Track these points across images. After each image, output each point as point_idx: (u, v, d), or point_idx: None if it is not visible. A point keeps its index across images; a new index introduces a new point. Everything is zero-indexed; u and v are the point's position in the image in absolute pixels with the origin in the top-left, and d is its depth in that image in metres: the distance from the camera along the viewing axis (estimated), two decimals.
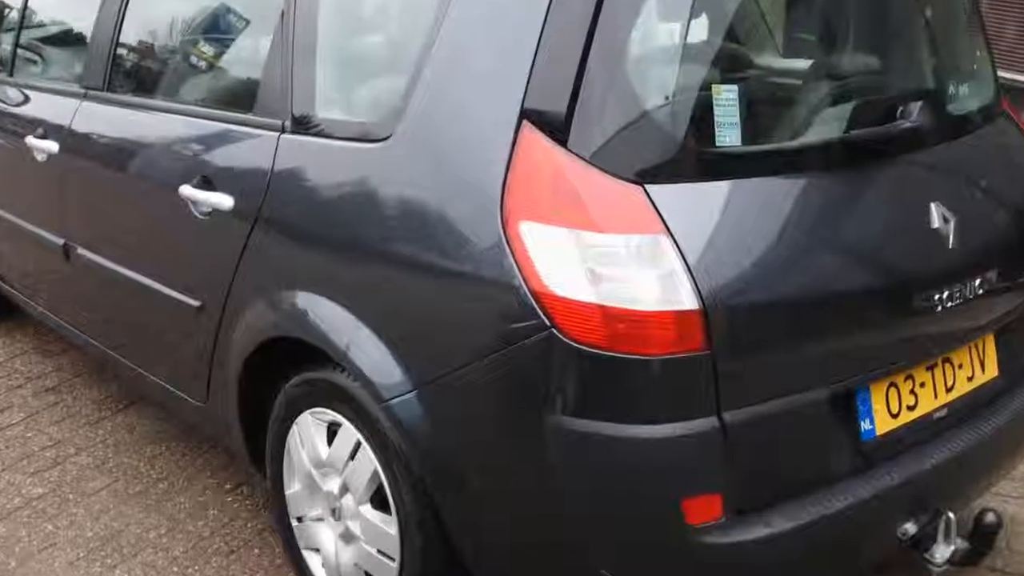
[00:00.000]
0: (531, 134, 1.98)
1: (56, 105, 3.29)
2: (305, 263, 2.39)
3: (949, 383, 2.34)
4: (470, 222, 2.04)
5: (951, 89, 2.50)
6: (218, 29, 2.93)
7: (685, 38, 2.10)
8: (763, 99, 2.23)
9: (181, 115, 2.81)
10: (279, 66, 2.48)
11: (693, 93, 2.05)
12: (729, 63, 2.17)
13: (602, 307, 1.90)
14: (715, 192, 2.01)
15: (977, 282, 2.27)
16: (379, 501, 2.31)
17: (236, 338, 2.56)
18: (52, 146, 3.22)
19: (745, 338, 1.98)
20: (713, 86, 2.03)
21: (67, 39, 3.59)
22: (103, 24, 3.13)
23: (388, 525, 2.29)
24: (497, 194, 1.98)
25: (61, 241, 3.28)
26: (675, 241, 1.92)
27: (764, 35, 2.41)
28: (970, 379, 2.39)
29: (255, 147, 2.51)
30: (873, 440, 2.19)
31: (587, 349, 1.91)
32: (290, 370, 2.46)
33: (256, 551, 2.87)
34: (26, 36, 3.70)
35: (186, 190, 2.61)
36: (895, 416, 2.23)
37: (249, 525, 2.98)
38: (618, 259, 1.92)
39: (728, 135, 2.02)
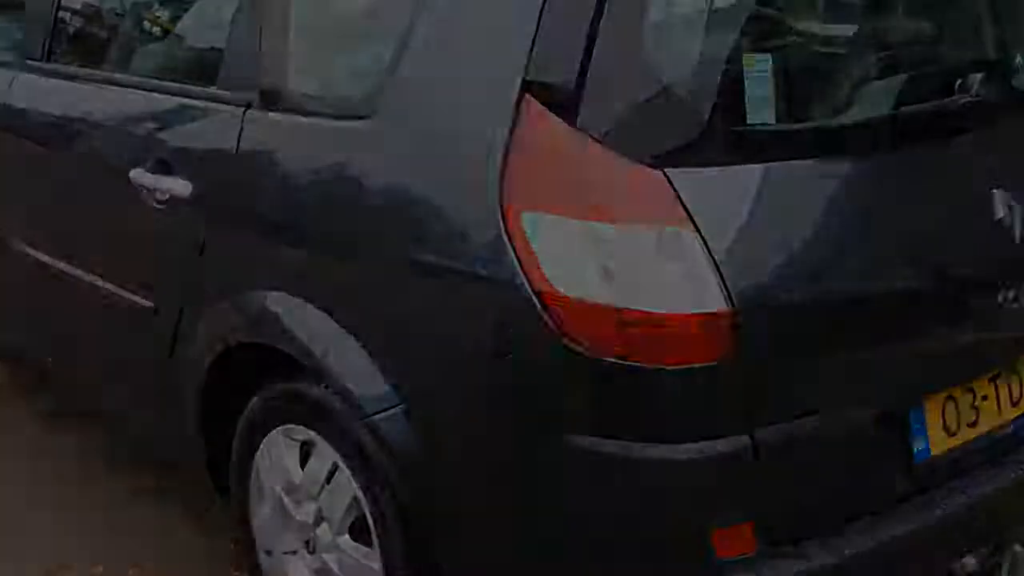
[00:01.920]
0: (535, 110, 1.98)
1: None
2: (275, 259, 2.39)
3: (1015, 396, 2.34)
4: (464, 212, 2.05)
5: (1016, 59, 2.51)
6: None
7: (712, 0, 2.10)
8: (801, 71, 2.23)
9: (133, 89, 2.81)
10: (245, 32, 2.48)
11: (721, 64, 2.05)
12: (762, 29, 2.17)
13: (616, 309, 1.90)
14: (745, 177, 2.02)
15: None
16: (359, 531, 2.32)
17: (196, 345, 2.56)
18: None
19: (780, 345, 1.99)
20: (744, 56, 2.03)
21: (1, 1, 3.60)
22: None
23: (370, 559, 2.29)
24: (496, 179, 1.98)
25: None
26: (700, 234, 1.92)
27: None
28: None
29: (217, 125, 2.51)
30: (927, 461, 2.19)
31: (599, 357, 1.92)
32: (258, 381, 2.46)
33: None
34: None
35: (138, 174, 2.61)
36: (953, 434, 2.23)
37: (210, 560, 2.98)
38: (635, 254, 1.92)
39: (760, 112, 2.02)
